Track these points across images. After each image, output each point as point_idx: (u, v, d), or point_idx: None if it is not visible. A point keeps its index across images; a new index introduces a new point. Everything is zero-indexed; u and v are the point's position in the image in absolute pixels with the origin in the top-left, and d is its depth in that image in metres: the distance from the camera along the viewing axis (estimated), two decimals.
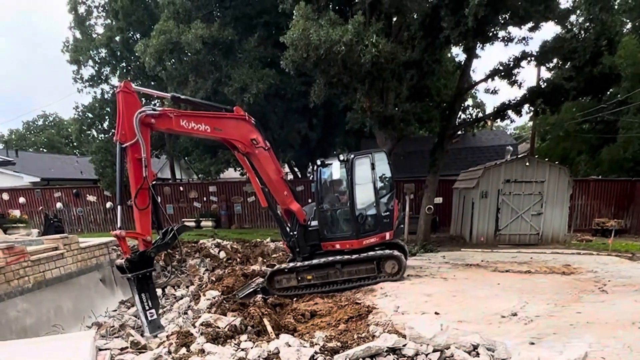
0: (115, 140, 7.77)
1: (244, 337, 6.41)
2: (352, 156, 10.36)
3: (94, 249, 12.76)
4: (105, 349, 4.96)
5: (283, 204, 10.46)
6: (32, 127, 58.81)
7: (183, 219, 24.23)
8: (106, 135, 26.12)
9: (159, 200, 8.38)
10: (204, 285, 13.03)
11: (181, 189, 26.06)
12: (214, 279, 12.85)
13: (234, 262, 15.01)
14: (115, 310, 12.26)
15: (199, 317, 9.45)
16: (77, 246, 11.86)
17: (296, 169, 29.64)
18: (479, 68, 50.38)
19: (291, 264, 10.39)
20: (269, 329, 6.98)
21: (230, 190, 25.55)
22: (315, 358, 5.31)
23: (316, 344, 5.79)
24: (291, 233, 10.60)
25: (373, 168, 10.42)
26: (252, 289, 11.07)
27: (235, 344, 6.04)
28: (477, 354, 5.44)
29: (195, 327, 6.65)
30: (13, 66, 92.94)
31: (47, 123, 59.41)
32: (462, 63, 18.31)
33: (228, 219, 25.05)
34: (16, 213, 22.56)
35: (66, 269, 11.23)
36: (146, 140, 7.74)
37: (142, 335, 8.43)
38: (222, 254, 15.72)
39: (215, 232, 20.49)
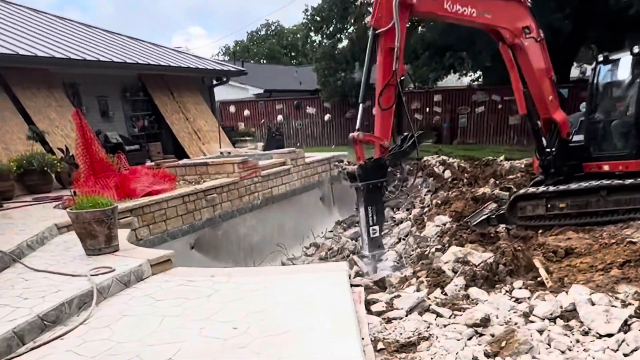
0: (368, 25, 7.63)
1: (518, 283, 5.54)
2: None
3: (316, 165, 13.42)
4: (357, 285, 4.86)
5: (545, 113, 9.28)
6: (255, 37, 64.18)
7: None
8: (331, 41, 26.69)
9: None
10: (427, 209, 12.80)
11: (404, 99, 25.78)
12: (439, 202, 12.46)
13: (460, 183, 14.36)
14: (331, 231, 12.90)
15: (427, 245, 9.27)
16: (302, 162, 12.55)
17: None
18: None
19: (542, 188, 9.29)
20: (543, 273, 6.08)
21: (456, 100, 24.40)
22: (629, 324, 4.22)
23: (629, 304, 4.63)
24: (547, 149, 9.42)
25: None
26: (484, 216, 10.38)
27: (506, 291, 5.31)
28: None
29: (443, 262, 6.05)
30: None
31: (269, 33, 64.08)
32: None
33: (450, 133, 24.18)
34: (241, 125, 25.20)
35: (291, 185, 12.02)
36: (402, 26, 7.40)
37: (360, 255, 8.59)
38: (447, 174, 15.18)
39: (439, 147, 19.94)
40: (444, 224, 10.00)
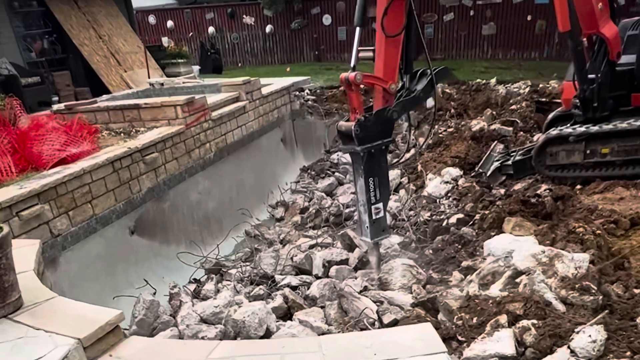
0: None
1: None
2: None
3: (275, 97, 11.51)
4: None
5: (591, 26, 7.59)
6: None
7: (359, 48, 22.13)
8: None
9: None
10: (413, 150, 11.31)
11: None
12: (430, 143, 10.99)
13: (446, 115, 12.89)
14: (297, 182, 11.32)
15: (441, 212, 7.77)
16: (259, 94, 10.60)
17: None
18: None
19: (580, 128, 7.80)
20: None
21: (420, 5, 22.37)
22: None
23: None
24: (590, 76, 7.87)
25: None
26: (497, 163, 8.97)
27: None
28: None
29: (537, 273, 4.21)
30: None
31: None
32: None
33: (415, 47, 22.35)
34: (164, 41, 22.34)
35: (248, 128, 10.14)
36: None
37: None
38: (430, 102, 13.58)
39: None
40: (455, 180, 8.51)
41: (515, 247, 5.50)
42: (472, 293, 4.41)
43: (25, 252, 4.12)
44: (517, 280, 4.42)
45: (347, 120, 6.01)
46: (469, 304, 4.22)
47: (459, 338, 3.96)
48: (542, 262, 4.48)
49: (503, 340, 3.54)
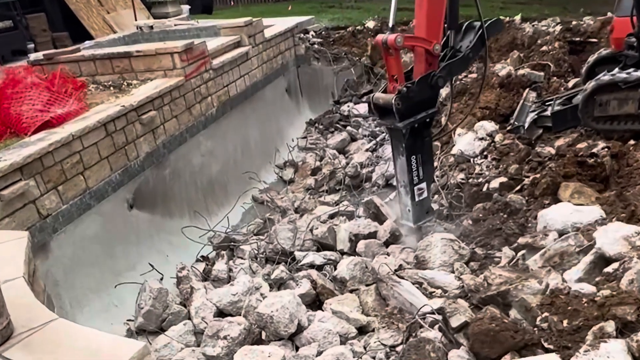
0: None
1: None
2: None
3: (279, 40, 10.70)
4: None
5: None
6: None
7: None
8: None
9: None
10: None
11: None
12: (454, 92, 10.27)
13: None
14: (305, 138, 10.73)
15: (479, 174, 7.12)
16: (262, 38, 9.80)
17: None
18: None
19: (636, 73, 7.08)
20: None
21: None
22: None
23: None
24: None
25: None
26: (534, 114, 8.32)
27: None
28: None
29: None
30: None
31: None
32: None
33: None
34: None
35: (251, 77, 9.41)
36: None
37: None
38: None
39: None
40: (491, 135, 7.86)
41: (578, 219, 4.99)
42: (553, 286, 3.81)
43: (10, 250, 3.48)
44: (609, 270, 3.82)
45: (385, 91, 5.39)
46: (553, 301, 3.62)
47: (546, 345, 3.41)
48: (636, 246, 3.88)
49: (615, 357, 2.96)
